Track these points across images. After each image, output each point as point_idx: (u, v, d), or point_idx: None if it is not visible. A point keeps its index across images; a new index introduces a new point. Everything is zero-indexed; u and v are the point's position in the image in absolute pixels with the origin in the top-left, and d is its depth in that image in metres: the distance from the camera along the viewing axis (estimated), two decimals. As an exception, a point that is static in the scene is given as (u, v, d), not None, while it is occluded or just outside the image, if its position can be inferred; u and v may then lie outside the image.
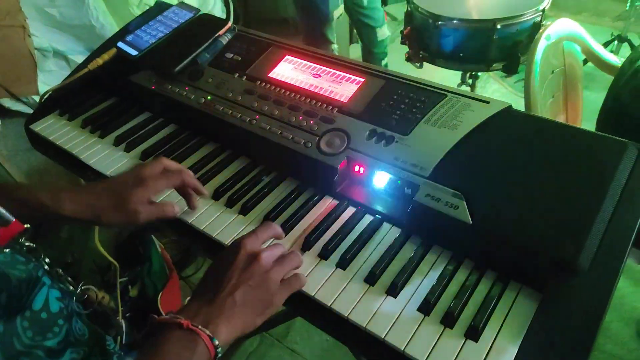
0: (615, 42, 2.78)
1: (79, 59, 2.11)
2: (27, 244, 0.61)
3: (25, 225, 0.60)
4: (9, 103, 2.06)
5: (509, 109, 0.79)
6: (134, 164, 0.82)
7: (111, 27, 2.08)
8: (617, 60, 1.62)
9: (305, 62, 0.97)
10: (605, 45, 2.73)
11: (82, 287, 0.71)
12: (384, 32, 2.29)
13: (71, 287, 0.68)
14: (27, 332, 0.49)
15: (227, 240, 0.76)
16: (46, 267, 0.61)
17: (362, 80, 0.90)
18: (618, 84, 1.36)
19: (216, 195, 0.83)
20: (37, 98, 1.98)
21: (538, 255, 0.63)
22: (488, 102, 0.80)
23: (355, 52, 2.84)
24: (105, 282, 2.03)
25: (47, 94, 1.10)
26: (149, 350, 0.53)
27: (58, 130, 1.02)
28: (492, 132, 0.76)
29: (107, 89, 1.09)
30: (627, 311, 1.68)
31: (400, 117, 0.82)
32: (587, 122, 1.66)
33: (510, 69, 1.60)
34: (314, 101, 0.89)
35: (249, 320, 0.59)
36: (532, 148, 0.73)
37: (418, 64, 1.74)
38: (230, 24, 1.06)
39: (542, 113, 1.45)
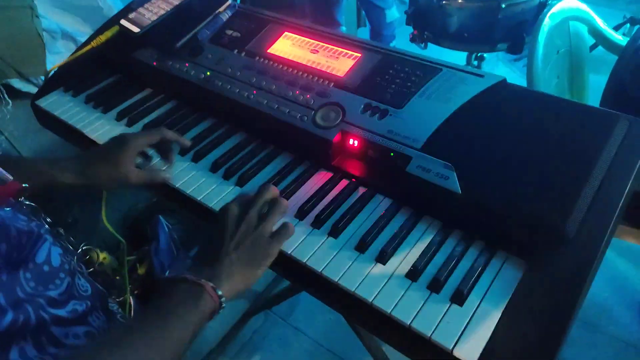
0: (628, 24, 2.73)
1: (80, 36, 2.13)
2: (27, 202, 0.64)
3: (24, 185, 0.63)
4: (18, 84, 2.10)
5: (502, 83, 0.79)
6: None
7: (117, 8, 2.09)
8: (624, 41, 1.60)
9: (303, 38, 0.98)
10: (617, 27, 2.68)
11: (84, 247, 0.75)
12: (393, 13, 2.27)
13: (72, 247, 0.71)
14: (29, 283, 0.52)
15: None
16: (47, 226, 0.64)
17: (359, 55, 0.91)
18: (621, 63, 1.35)
19: (214, 168, 0.85)
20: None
21: (525, 221, 0.64)
22: (482, 76, 0.81)
23: (363, 35, 2.83)
24: (114, 261, 2.08)
25: (52, 71, 1.12)
26: (156, 300, 0.56)
27: (62, 105, 1.04)
28: (485, 105, 0.77)
29: (110, 66, 1.11)
30: (629, 293, 1.68)
31: (395, 91, 0.83)
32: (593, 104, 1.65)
33: (515, 49, 1.59)
34: (311, 76, 0.90)
35: (249, 274, 0.63)
36: (523, 120, 0.73)
37: (422, 45, 1.74)
38: (230, 0, 1.07)
39: (542, 89, 1.45)
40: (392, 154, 0.77)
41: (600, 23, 1.58)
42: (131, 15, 1.11)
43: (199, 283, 0.57)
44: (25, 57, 1.87)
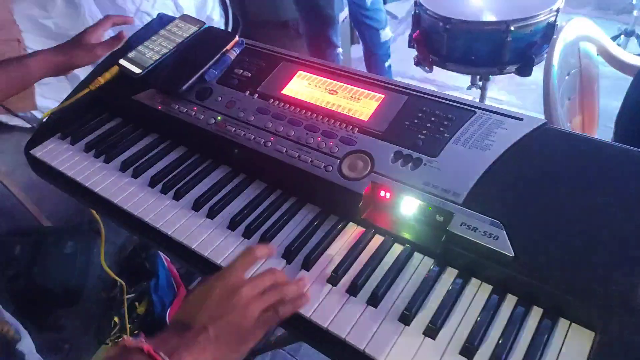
0: (622, 36, 2.73)
1: (77, 70, 2.05)
2: None
3: None
4: (5, 118, 2.01)
5: (544, 126, 0.74)
6: None
7: (108, 37, 2.02)
8: (636, 59, 1.57)
9: (319, 77, 0.92)
10: (612, 39, 2.67)
11: None
12: (387, 33, 2.23)
13: None
14: None
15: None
16: None
17: (382, 96, 0.85)
18: (636, 84, 1.31)
19: (232, 225, 0.78)
20: (35, 113, 1.93)
21: (589, 290, 0.58)
22: (521, 119, 0.75)
23: (356, 52, 2.79)
24: (112, 299, 1.99)
25: (47, 116, 1.04)
26: None
27: (60, 155, 0.97)
28: (529, 152, 0.71)
29: (110, 109, 1.04)
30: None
31: (426, 136, 0.77)
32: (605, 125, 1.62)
33: (524, 71, 1.55)
34: (332, 120, 0.84)
35: (221, 356, 0.56)
36: (575, 169, 0.68)
37: (427, 68, 1.69)
38: (237, 37, 1.01)
39: (560, 116, 1.40)
40: (430, 208, 0.70)
41: (609, 43, 1.55)
42: (131, 55, 1.04)
43: (154, 357, 0.51)
44: (13, 92, 1.79)
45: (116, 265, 2.08)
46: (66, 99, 1.04)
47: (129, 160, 0.92)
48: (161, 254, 1.99)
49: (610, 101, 1.64)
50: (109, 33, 1.06)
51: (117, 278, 1.43)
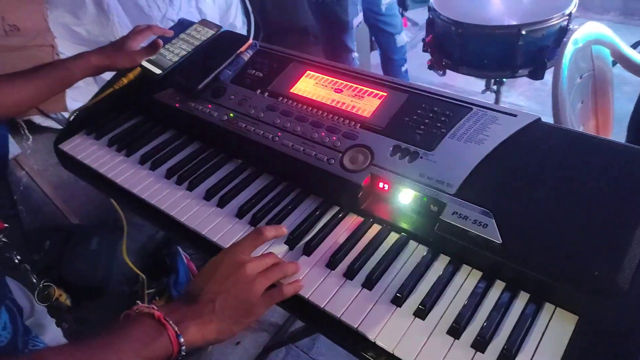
0: (646, 41, 2.69)
1: (105, 74, 2.16)
2: (3, 240, 0.69)
3: (5, 224, 0.67)
4: (39, 119, 2.13)
5: (537, 122, 0.77)
6: None
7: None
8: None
9: (326, 77, 0.96)
10: (635, 45, 2.64)
11: (44, 284, 0.80)
12: (403, 38, 2.27)
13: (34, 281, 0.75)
14: None
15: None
16: (16, 260, 0.68)
17: (385, 94, 0.89)
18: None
19: (240, 214, 0.83)
20: (66, 114, 2.04)
21: (573, 276, 0.61)
22: (515, 115, 0.78)
23: (375, 58, 2.83)
24: (134, 294, 2.06)
25: (75, 114, 1.12)
26: (115, 329, 0.56)
27: (85, 149, 1.04)
28: (521, 146, 0.74)
29: (132, 107, 1.11)
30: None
31: (424, 131, 0.81)
32: (617, 128, 1.61)
33: (536, 75, 1.56)
34: (337, 117, 0.88)
35: (225, 328, 0.61)
36: (563, 163, 0.70)
37: (441, 72, 1.72)
38: (251, 40, 1.07)
39: (570, 119, 1.41)
40: (424, 198, 0.74)
41: (623, 46, 1.55)
42: (152, 57, 1.11)
43: (163, 323, 0.56)
44: (46, 94, 1.89)
45: (138, 261, 2.16)
46: (92, 98, 1.12)
47: (148, 154, 0.98)
48: (181, 251, 2.06)
49: (629, 105, 1.64)
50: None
51: (139, 272, 1.51)
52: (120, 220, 1.19)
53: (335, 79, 0.95)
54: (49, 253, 2.06)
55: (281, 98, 0.95)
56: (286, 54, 1.04)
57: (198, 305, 0.60)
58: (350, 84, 0.93)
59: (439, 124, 0.81)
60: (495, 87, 1.82)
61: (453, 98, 0.85)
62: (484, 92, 1.90)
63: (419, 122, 0.82)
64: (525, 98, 2.61)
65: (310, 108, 0.92)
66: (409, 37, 2.89)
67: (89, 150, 1.03)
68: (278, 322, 1.88)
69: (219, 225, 0.82)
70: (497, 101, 1.88)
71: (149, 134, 1.04)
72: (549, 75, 1.62)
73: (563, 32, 1.51)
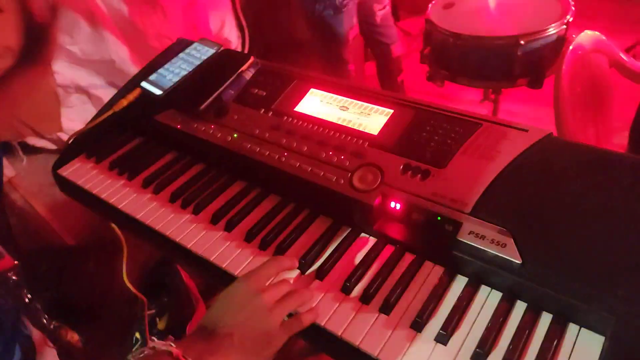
0: (638, 46, 2.72)
1: (100, 92, 2.13)
2: (13, 277, 0.66)
3: (15, 262, 0.65)
4: (33, 140, 2.09)
5: (549, 137, 0.76)
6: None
7: (130, 60, 2.10)
8: (647, 69, 1.57)
9: (331, 94, 0.95)
10: (628, 50, 2.67)
11: (55, 325, 0.77)
12: (398, 48, 2.27)
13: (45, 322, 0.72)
14: None
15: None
16: (26, 299, 0.65)
17: (392, 111, 0.88)
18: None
19: (248, 237, 0.81)
20: (61, 134, 2.01)
21: (596, 295, 0.59)
22: (527, 130, 0.77)
23: (370, 69, 2.83)
24: (133, 315, 2.03)
25: (73, 137, 1.10)
26: None
27: (86, 174, 1.02)
28: (535, 162, 0.73)
29: (132, 129, 1.09)
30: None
31: (434, 149, 0.79)
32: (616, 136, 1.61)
33: (535, 84, 1.56)
34: (343, 135, 0.87)
35: None
36: (580, 178, 0.69)
37: (439, 83, 1.72)
38: (253, 58, 1.05)
39: (572, 127, 1.41)
40: (439, 217, 0.72)
41: (620, 54, 1.56)
42: (152, 77, 1.09)
43: None
44: (41, 115, 1.87)
45: (136, 280, 2.12)
46: (91, 120, 1.10)
47: (150, 177, 0.96)
48: (180, 270, 2.03)
49: (626, 110, 1.64)
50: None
51: (139, 294, 1.47)
52: (120, 243, 1.17)
53: (340, 97, 0.94)
54: (45, 277, 2.02)
55: (286, 117, 0.94)
56: (289, 72, 1.03)
57: (216, 340, 0.58)
58: (356, 101, 0.92)
59: (449, 141, 0.79)
60: (493, 97, 1.82)
61: (461, 114, 0.84)
62: (482, 101, 1.90)
63: (428, 139, 0.81)
64: (520, 105, 2.61)
65: (316, 127, 0.90)
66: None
67: (89, 175, 1.01)
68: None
69: (228, 251, 0.80)
70: (495, 111, 1.88)
71: (151, 156, 1.02)
72: (545, 83, 1.63)
73: (561, 41, 1.51)
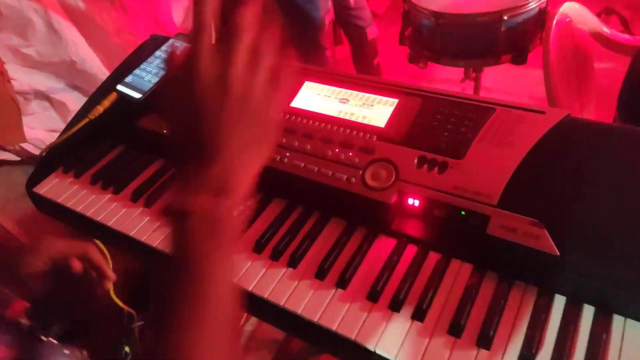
0: (603, 14, 2.75)
1: (62, 96, 2.00)
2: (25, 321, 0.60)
3: (28, 304, 0.59)
4: (-7, 153, 1.95)
5: (567, 118, 0.72)
6: None
7: (93, 60, 1.97)
8: (626, 37, 1.57)
9: (327, 86, 0.89)
10: (599, 15, 2.69)
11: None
12: (374, 30, 2.22)
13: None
14: None
15: (292, 304, 0.67)
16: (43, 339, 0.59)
17: (397, 100, 0.83)
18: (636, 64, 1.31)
19: (258, 248, 0.75)
20: (25, 145, 1.87)
21: (642, 284, 0.56)
22: (544, 112, 0.73)
23: (341, 53, 2.77)
24: (122, 329, 1.94)
25: (46, 150, 1.00)
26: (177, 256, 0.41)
27: (65, 190, 0.93)
28: (557, 145, 0.69)
29: (112, 137, 1.00)
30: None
31: (449, 138, 0.75)
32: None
33: (519, 60, 1.54)
34: (348, 130, 0.81)
35: (255, 158, 0.44)
36: (608, 160, 0.66)
37: (422, 65, 1.68)
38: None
39: (562, 99, 1.40)
40: (463, 212, 0.68)
41: (600, 24, 1.55)
42: (128, 80, 1.00)
43: (209, 212, 0.41)
44: (1, 126, 1.74)
45: (122, 292, 2.03)
46: (65, 131, 1.00)
47: (140, 189, 0.88)
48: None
49: (601, 79, 1.65)
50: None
51: (125, 307, 1.39)
52: (106, 259, 1.09)
53: (338, 88, 0.88)
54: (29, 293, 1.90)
55: (283, 114, 0.87)
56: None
57: (216, 157, 0.42)
58: (356, 92, 0.87)
59: (463, 129, 0.75)
60: (474, 75, 1.80)
61: (472, 99, 0.79)
62: (462, 81, 1.87)
63: (440, 128, 0.76)
64: (496, 81, 2.61)
65: (317, 122, 0.84)
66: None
67: (70, 191, 0.92)
68: (279, 338, 1.81)
69: (238, 265, 0.74)
70: (476, 89, 1.85)
71: (137, 165, 0.94)
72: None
73: (542, 15, 1.49)
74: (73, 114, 1.09)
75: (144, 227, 0.83)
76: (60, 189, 0.93)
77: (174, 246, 0.42)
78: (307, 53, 1.99)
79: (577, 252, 0.60)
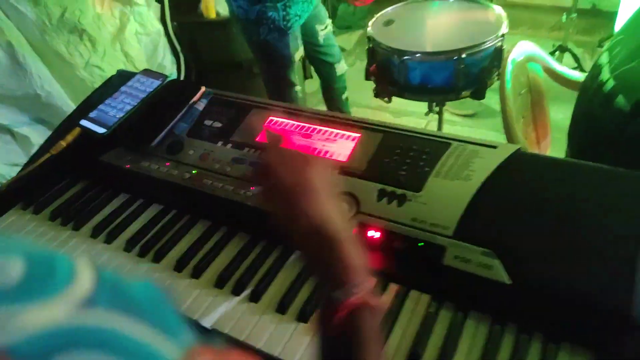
0: (557, 52, 2.92)
1: (25, 130, 1.97)
2: None
3: None
4: (-50, 188, 1.88)
5: (518, 152, 0.76)
6: None
7: (58, 94, 1.96)
8: (577, 74, 1.67)
9: (291, 121, 0.91)
10: (551, 54, 2.85)
11: None
12: (342, 66, 2.28)
13: None
14: None
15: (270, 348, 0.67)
16: None
17: (358, 135, 0.86)
18: (586, 97, 1.39)
19: (219, 283, 0.75)
20: (-16, 180, 1.82)
21: (590, 309, 0.59)
22: (495, 147, 0.77)
23: (311, 87, 2.82)
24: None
25: (5, 186, 0.98)
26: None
27: (23, 227, 0.91)
28: (509, 178, 0.73)
29: (74, 172, 0.99)
30: None
31: (407, 172, 0.78)
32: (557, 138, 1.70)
33: (478, 95, 1.61)
34: (311, 164, 0.83)
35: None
36: (555, 192, 0.70)
37: (387, 99, 1.73)
38: (203, 88, 1.00)
39: (518, 132, 1.46)
40: (421, 244, 0.70)
41: (550, 61, 1.65)
42: (92, 115, 1.01)
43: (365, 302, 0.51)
44: (-41, 160, 1.69)
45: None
46: (25, 166, 0.99)
47: (100, 225, 0.87)
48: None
49: (556, 114, 1.75)
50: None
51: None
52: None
53: (302, 123, 0.91)
54: None
55: (247, 149, 0.89)
56: (244, 101, 0.98)
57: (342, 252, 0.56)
58: (319, 127, 0.89)
59: (421, 163, 0.78)
60: (437, 109, 1.86)
61: (428, 134, 0.83)
62: (427, 114, 1.94)
63: (400, 162, 0.79)
64: (458, 116, 2.71)
65: (281, 157, 0.86)
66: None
67: (27, 228, 0.90)
68: None
69: (198, 300, 0.73)
70: (440, 122, 1.92)
71: (98, 201, 0.93)
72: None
73: (499, 52, 1.57)
74: (36, 148, 1.08)
75: (104, 263, 0.82)
76: (18, 225, 0.91)
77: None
78: (277, 89, 2.02)
79: (528, 281, 0.63)
